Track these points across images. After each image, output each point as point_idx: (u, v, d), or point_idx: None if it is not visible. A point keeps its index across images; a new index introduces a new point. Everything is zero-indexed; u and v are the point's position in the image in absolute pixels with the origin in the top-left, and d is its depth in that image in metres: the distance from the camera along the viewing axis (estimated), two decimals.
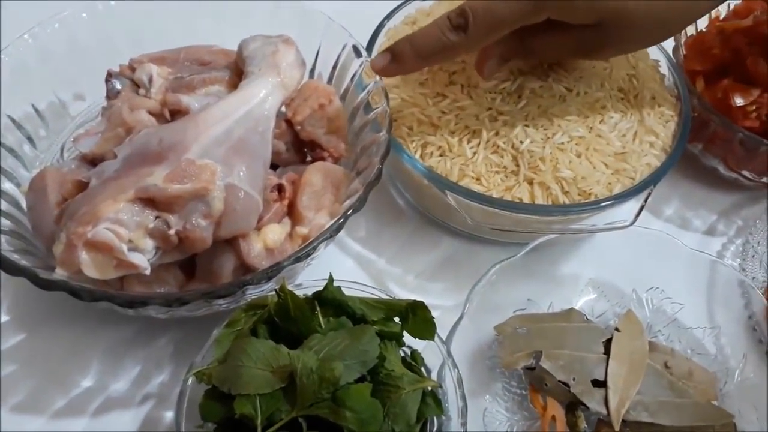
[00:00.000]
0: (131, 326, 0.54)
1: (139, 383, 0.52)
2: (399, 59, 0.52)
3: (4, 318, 0.54)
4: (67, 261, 0.42)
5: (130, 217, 0.43)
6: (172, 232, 0.44)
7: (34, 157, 0.56)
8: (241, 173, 0.46)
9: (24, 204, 0.51)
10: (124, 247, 0.43)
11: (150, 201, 0.44)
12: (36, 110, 0.56)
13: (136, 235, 0.43)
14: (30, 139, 0.55)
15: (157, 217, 0.44)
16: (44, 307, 0.54)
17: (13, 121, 0.54)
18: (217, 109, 0.49)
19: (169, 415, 0.51)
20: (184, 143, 0.46)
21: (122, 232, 0.43)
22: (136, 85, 0.56)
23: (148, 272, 0.44)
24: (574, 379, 0.50)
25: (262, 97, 0.50)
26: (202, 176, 0.44)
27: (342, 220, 0.47)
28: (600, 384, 0.50)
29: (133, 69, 0.56)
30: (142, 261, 0.44)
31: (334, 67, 0.58)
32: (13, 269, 0.42)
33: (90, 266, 0.42)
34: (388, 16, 0.63)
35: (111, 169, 0.47)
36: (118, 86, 0.56)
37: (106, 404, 0.51)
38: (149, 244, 0.44)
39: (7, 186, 0.51)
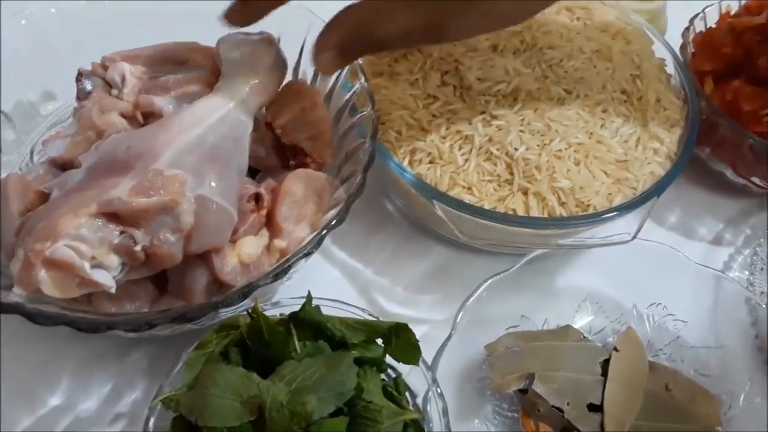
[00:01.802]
0: (103, 341, 0.52)
1: (110, 401, 0.50)
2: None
3: None
4: (25, 279, 0.39)
5: (93, 233, 0.40)
6: (138, 248, 0.41)
7: (3, 161, 0.53)
8: (213, 184, 0.43)
9: None
10: (86, 265, 0.40)
11: (114, 215, 0.41)
12: (2, 111, 0.53)
13: (99, 252, 0.40)
14: None
15: (122, 232, 0.41)
16: (12, 319, 0.52)
17: None
18: (190, 114, 0.46)
19: None
20: (153, 151, 0.43)
21: (84, 249, 0.40)
22: (109, 85, 0.53)
23: (113, 290, 0.41)
24: (568, 404, 0.47)
25: (237, 101, 0.47)
26: (170, 188, 0.41)
27: (323, 233, 0.44)
28: (596, 408, 0.48)
29: (105, 68, 0.53)
30: (107, 279, 0.41)
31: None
32: None
33: (49, 285, 0.39)
34: None
35: (74, 179, 0.44)
36: (89, 86, 0.52)
37: (75, 423, 0.49)
38: (114, 260, 0.41)
39: None
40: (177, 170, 0.42)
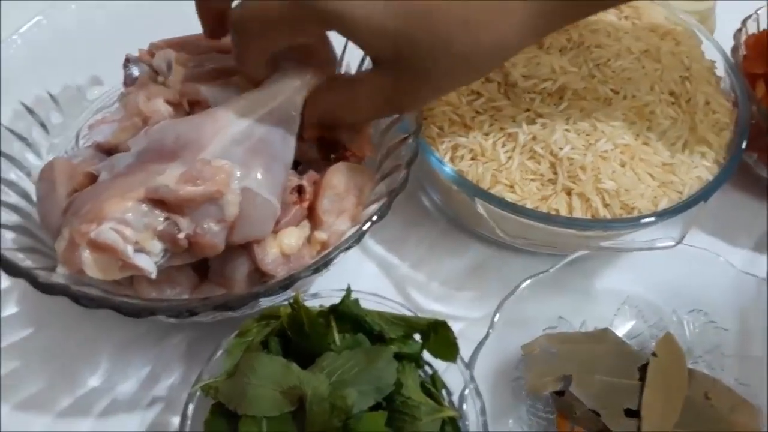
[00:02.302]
0: (142, 325, 0.52)
1: (148, 385, 0.50)
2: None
3: (13, 311, 0.52)
4: (69, 260, 0.40)
5: (138, 218, 0.41)
6: (181, 235, 0.41)
7: (48, 144, 0.53)
8: (259, 176, 0.43)
9: (34, 194, 0.49)
10: (130, 249, 0.40)
11: (160, 202, 0.41)
12: (50, 95, 0.53)
13: (143, 237, 0.41)
14: (43, 125, 0.53)
15: (166, 218, 0.41)
16: (55, 299, 0.53)
17: (25, 106, 0.51)
18: (239, 105, 0.46)
19: (176, 420, 0.49)
20: (201, 141, 0.43)
21: (128, 233, 0.40)
22: (155, 71, 0.53)
23: (154, 276, 0.42)
24: (605, 408, 0.46)
25: (288, 95, 0.46)
26: (216, 178, 0.42)
27: (364, 228, 0.44)
28: (633, 414, 0.47)
29: (152, 54, 0.54)
30: (148, 264, 0.41)
31: (363, 61, 0.55)
32: (14, 271, 0.40)
33: (92, 267, 0.40)
34: None
35: (122, 163, 0.44)
36: (136, 72, 0.53)
37: (112, 406, 0.49)
38: (157, 246, 0.42)
39: (16, 175, 0.49)
40: (224, 161, 0.42)
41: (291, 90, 0.47)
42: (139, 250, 0.41)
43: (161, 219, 0.41)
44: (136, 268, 0.41)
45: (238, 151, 0.43)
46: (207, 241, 0.42)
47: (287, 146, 0.46)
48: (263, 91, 0.47)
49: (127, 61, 0.53)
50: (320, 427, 0.36)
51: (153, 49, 0.53)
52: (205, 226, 0.42)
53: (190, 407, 0.41)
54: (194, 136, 0.44)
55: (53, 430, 0.48)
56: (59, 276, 0.41)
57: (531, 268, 0.49)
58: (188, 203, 0.41)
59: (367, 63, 0.54)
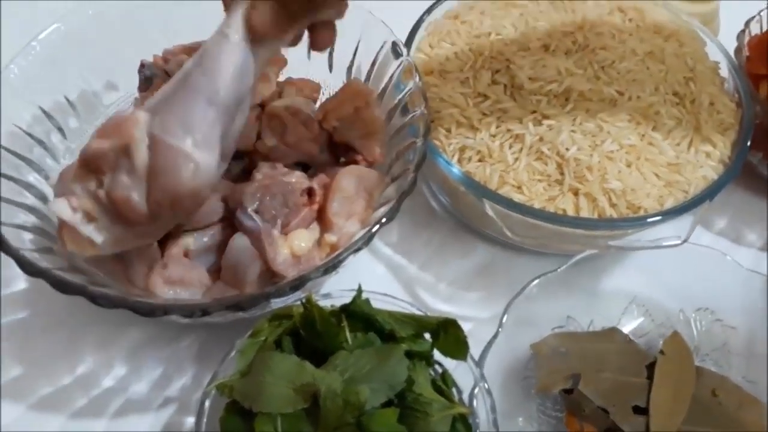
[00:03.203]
0: (156, 325, 0.53)
1: (161, 386, 0.51)
2: None
3: (27, 313, 0.53)
4: (60, 239, 0.42)
5: (81, 186, 0.40)
6: (101, 192, 0.40)
7: (65, 148, 0.55)
8: (170, 121, 0.39)
9: (51, 197, 0.50)
10: (78, 219, 0.40)
11: (89, 165, 0.40)
12: (67, 100, 0.55)
13: (85, 204, 0.40)
14: (60, 130, 0.54)
15: (99, 182, 0.40)
16: (69, 303, 0.53)
17: (44, 111, 0.52)
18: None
19: (189, 420, 0.49)
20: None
21: (74, 203, 0.40)
22: (169, 76, 0.54)
23: (100, 247, 0.41)
24: (614, 405, 0.47)
25: (228, 21, 0.40)
26: (123, 129, 0.39)
27: (373, 230, 0.45)
28: (642, 411, 0.47)
29: (166, 60, 0.55)
30: (93, 233, 0.40)
31: (373, 64, 0.56)
32: (34, 271, 0.41)
33: (69, 242, 0.41)
34: (429, 10, 0.60)
35: None
36: (151, 77, 0.54)
37: (126, 406, 0.50)
38: (94, 209, 0.40)
39: (35, 178, 0.50)
40: (133, 109, 0.40)
41: (229, 17, 0.40)
42: (91, 220, 0.41)
43: (93, 183, 0.40)
44: (84, 237, 0.40)
45: (156, 97, 0.40)
46: (119, 196, 0.39)
47: (213, 76, 0.39)
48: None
49: (143, 67, 0.54)
50: (334, 423, 0.37)
51: (167, 55, 0.54)
52: (117, 179, 0.39)
53: (206, 404, 0.41)
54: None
55: (68, 430, 0.49)
56: (77, 275, 0.42)
57: (538, 269, 0.50)
58: (102, 159, 0.39)
59: (379, 62, 0.55)
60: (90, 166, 0.40)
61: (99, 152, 0.39)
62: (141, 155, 0.39)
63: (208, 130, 0.39)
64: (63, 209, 0.39)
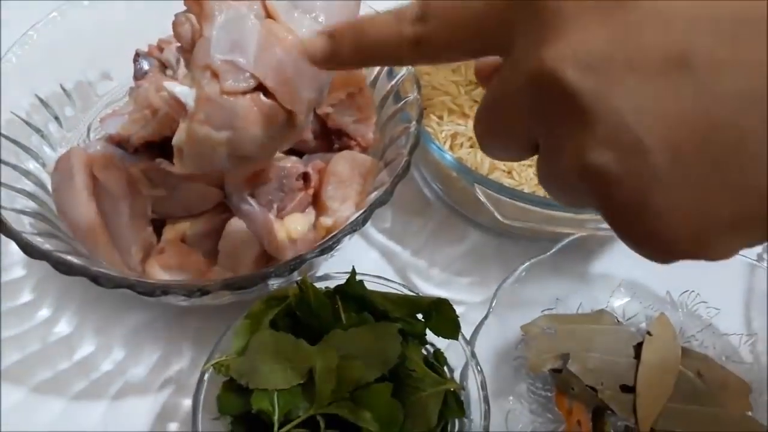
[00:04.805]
0: (153, 310, 0.54)
1: (159, 369, 0.52)
2: (337, 49, 0.33)
3: (27, 298, 0.54)
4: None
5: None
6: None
7: (61, 137, 0.55)
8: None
9: (49, 184, 0.51)
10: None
11: None
12: (63, 89, 0.55)
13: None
14: (57, 119, 0.55)
15: None
16: (69, 287, 0.54)
17: (41, 100, 0.53)
18: None
19: (187, 402, 0.50)
20: None
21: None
22: (164, 65, 0.55)
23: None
24: (602, 384, 0.48)
25: None
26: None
27: (367, 212, 0.46)
28: (629, 390, 0.49)
29: (161, 49, 0.56)
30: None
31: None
32: (36, 253, 0.41)
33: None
34: None
35: None
36: (146, 66, 0.55)
37: (125, 389, 0.51)
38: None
39: (33, 166, 0.51)
40: None
41: None
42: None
43: None
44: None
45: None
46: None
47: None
48: None
49: (137, 56, 0.54)
50: (329, 398, 0.38)
51: (162, 44, 0.55)
52: None
53: (205, 379, 0.42)
54: None
55: (68, 413, 0.50)
56: (77, 258, 0.42)
57: (529, 255, 0.51)
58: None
59: None
60: None
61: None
62: None
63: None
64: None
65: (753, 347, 0.52)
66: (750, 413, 0.49)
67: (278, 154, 0.50)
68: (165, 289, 0.42)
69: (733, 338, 0.53)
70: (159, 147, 0.50)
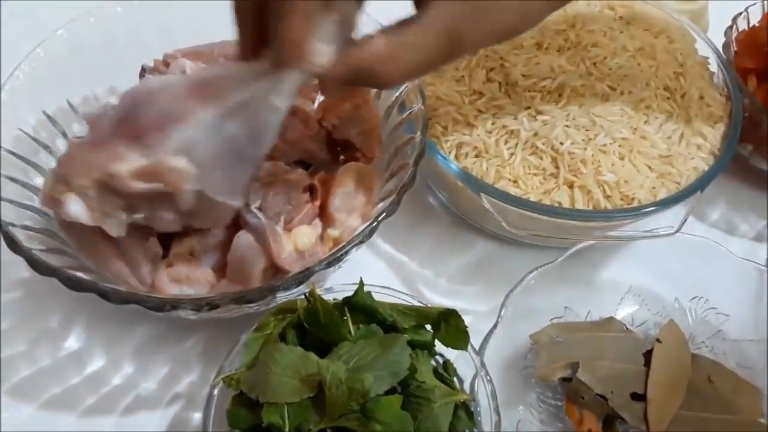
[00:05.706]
0: (162, 324, 0.54)
1: (168, 383, 0.52)
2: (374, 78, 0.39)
3: (36, 314, 0.54)
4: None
5: (99, 196, 0.41)
6: (139, 216, 0.44)
7: None
8: (218, 181, 0.42)
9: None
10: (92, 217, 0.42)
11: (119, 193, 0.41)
12: (70, 105, 0.56)
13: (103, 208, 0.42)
14: (64, 135, 0.55)
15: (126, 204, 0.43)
16: (79, 303, 0.54)
17: (48, 116, 0.53)
18: (220, 79, 0.41)
19: (197, 416, 0.50)
20: (168, 121, 0.40)
21: (92, 204, 0.42)
22: None
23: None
24: (612, 392, 0.48)
25: (280, 89, 0.39)
26: (171, 179, 0.40)
27: (375, 224, 0.46)
28: (639, 398, 0.48)
29: (167, 64, 0.56)
30: (111, 227, 0.43)
31: None
32: (44, 270, 0.42)
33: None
34: None
35: (104, 124, 0.43)
36: None
37: (135, 403, 0.51)
38: (120, 215, 0.43)
39: (41, 182, 0.51)
40: (182, 161, 0.40)
41: (286, 86, 0.39)
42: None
43: (119, 201, 0.42)
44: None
45: (201, 149, 0.40)
46: (161, 225, 0.45)
47: (260, 144, 0.42)
48: (251, 69, 0.40)
49: (143, 71, 0.55)
50: (339, 411, 0.38)
51: (168, 59, 0.55)
52: (158, 213, 0.44)
53: (215, 393, 0.42)
54: (166, 111, 0.40)
55: (78, 428, 0.50)
56: (86, 273, 0.43)
57: (536, 263, 0.51)
58: (139, 197, 0.42)
59: None
60: (122, 195, 0.41)
61: (138, 192, 0.41)
62: (186, 203, 0.42)
63: (246, 183, 0.44)
64: (80, 212, 0.41)
65: (763, 353, 0.52)
66: (762, 420, 0.49)
67: (284, 167, 0.50)
68: (174, 304, 0.42)
69: (743, 344, 0.53)
70: None
